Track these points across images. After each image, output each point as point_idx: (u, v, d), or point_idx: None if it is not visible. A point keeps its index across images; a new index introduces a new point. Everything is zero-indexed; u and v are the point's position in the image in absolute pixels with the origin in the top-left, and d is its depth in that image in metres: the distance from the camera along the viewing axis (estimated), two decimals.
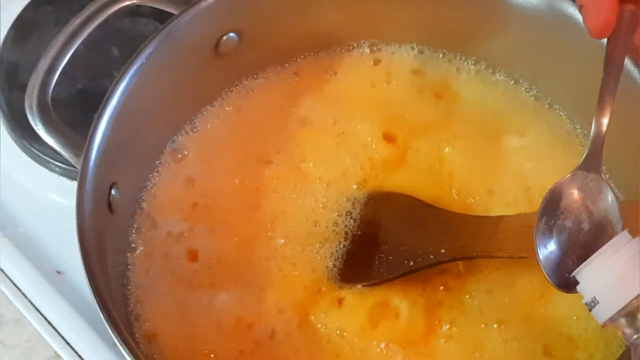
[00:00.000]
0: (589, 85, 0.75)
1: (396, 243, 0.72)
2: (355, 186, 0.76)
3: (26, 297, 0.81)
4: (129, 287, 0.72)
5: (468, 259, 0.71)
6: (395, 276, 0.71)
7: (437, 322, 0.70)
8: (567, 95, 0.79)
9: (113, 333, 0.62)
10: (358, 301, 0.71)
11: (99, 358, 0.77)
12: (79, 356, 0.78)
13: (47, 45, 0.72)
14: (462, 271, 0.72)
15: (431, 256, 0.70)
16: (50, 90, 0.71)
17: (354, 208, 0.75)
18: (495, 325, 0.70)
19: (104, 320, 0.62)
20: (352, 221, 0.74)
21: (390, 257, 0.72)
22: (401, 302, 0.70)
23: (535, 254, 0.65)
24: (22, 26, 0.94)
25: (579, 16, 0.72)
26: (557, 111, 0.80)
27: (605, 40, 0.71)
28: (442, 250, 0.70)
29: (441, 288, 0.71)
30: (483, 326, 0.70)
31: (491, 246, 0.70)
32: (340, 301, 0.71)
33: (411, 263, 0.71)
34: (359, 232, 0.74)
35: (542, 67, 0.78)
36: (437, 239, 0.71)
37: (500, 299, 0.71)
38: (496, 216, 0.72)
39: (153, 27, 0.91)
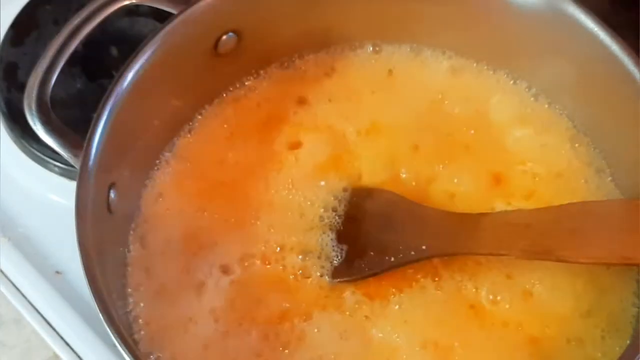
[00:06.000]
0: (589, 84, 0.76)
1: (378, 239, 0.73)
2: (344, 186, 0.76)
3: (25, 297, 0.81)
4: (128, 288, 0.72)
5: (449, 256, 0.71)
6: (375, 272, 0.71)
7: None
8: (567, 95, 0.78)
9: (112, 333, 0.62)
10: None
11: (98, 358, 0.77)
12: (78, 356, 0.78)
13: (46, 44, 0.72)
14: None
15: (412, 252, 0.70)
16: (50, 90, 0.71)
17: (339, 205, 0.75)
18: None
19: (103, 320, 0.62)
20: (337, 217, 0.75)
21: (372, 253, 0.72)
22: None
23: (515, 252, 0.65)
24: (21, 26, 0.93)
25: (579, 16, 0.72)
26: (557, 110, 0.80)
27: (604, 39, 0.71)
28: (423, 247, 0.70)
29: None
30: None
31: (472, 243, 0.70)
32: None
33: (392, 259, 0.71)
34: (342, 228, 0.74)
35: (542, 67, 0.78)
36: (419, 235, 0.71)
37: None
38: (478, 213, 0.72)
39: (152, 27, 0.91)
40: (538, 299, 0.71)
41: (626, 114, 0.72)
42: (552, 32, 0.75)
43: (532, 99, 0.81)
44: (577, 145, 0.78)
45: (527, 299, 0.71)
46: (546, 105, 0.80)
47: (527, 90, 0.81)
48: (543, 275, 0.71)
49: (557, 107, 0.80)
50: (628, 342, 0.69)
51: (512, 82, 0.81)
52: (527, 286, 0.71)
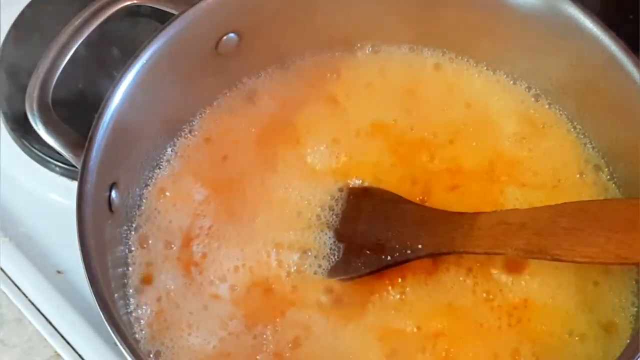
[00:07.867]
0: (589, 85, 0.76)
1: (374, 237, 0.73)
2: (340, 186, 0.76)
3: (26, 296, 0.81)
4: (130, 288, 0.72)
5: (445, 255, 0.71)
6: (372, 270, 0.71)
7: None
8: (567, 95, 0.79)
9: (113, 333, 0.62)
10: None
11: (99, 358, 0.78)
12: (79, 356, 0.78)
13: (48, 45, 0.72)
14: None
15: (408, 251, 0.71)
16: (51, 90, 0.71)
17: (337, 204, 0.75)
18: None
19: (104, 320, 0.62)
20: (334, 216, 0.75)
21: (368, 252, 0.72)
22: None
23: (510, 251, 0.66)
24: (22, 26, 0.94)
25: (578, 16, 0.72)
26: (557, 111, 0.80)
27: (604, 39, 0.71)
28: (419, 246, 0.71)
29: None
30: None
31: (468, 242, 0.70)
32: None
33: (389, 258, 0.71)
34: (339, 227, 0.74)
35: (542, 67, 0.79)
36: (415, 234, 0.72)
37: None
38: (474, 212, 0.72)
39: (153, 27, 0.91)
40: (538, 297, 0.71)
41: (625, 114, 0.72)
42: (552, 33, 0.75)
43: (532, 99, 0.81)
44: (576, 144, 0.78)
45: (527, 298, 0.71)
46: (546, 106, 0.80)
47: (527, 90, 0.81)
48: (542, 274, 0.72)
49: (557, 107, 0.80)
50: (627, 341, 0.69)
51: (512, 82, 0.82)
52: (527, 284, 0.72)
